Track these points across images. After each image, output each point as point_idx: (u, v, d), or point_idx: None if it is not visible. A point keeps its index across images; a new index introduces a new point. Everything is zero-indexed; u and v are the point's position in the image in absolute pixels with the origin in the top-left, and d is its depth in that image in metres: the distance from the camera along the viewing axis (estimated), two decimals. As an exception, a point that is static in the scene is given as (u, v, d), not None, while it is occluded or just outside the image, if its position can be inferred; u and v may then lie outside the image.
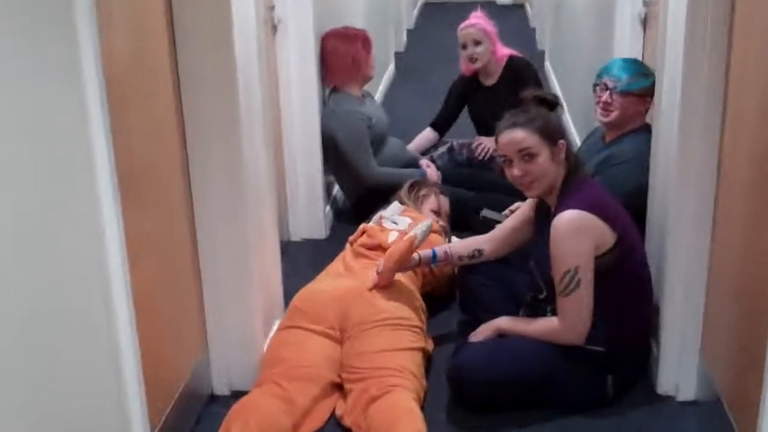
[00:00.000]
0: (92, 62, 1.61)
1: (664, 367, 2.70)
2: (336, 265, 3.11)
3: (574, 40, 5.46)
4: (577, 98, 4.90)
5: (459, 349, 2.74)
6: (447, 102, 4.74)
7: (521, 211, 2.93)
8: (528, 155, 2.59)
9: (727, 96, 2.38)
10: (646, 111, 3.14)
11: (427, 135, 4.71)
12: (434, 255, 2.95)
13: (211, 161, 2.55)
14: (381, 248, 3.11)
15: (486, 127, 4.49)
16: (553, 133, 2.61)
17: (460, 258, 2.97)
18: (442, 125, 4.72)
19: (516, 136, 2.60)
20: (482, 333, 2.78)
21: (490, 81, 4.52)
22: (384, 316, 2.74)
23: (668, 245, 2.62)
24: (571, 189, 2.61)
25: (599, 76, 3.21)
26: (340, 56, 4.04)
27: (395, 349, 2.66)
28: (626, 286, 2.62)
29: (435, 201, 3.48)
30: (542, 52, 7.69)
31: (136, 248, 2.02)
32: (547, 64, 7.13)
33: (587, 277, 2.51)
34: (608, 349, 2.60)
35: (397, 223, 3.22)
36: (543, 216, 2.72)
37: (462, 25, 4.50)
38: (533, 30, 9.08)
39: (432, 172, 4.16)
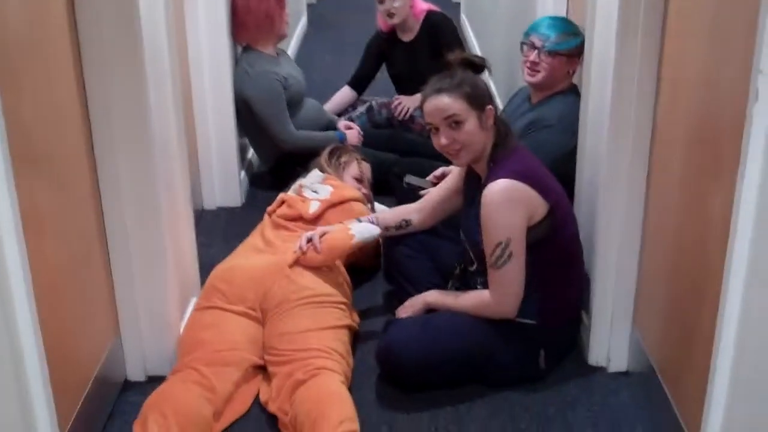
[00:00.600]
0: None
1: (596, 337, 2.65)
2: (254, 239, 2.95)
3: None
4: (497, 55, 4.80)
5: (387, 328, 2.64)
6: (364, 59, 4.58)
7: (450, 179, 2.82)
8: (455, 122, 2.47)
9: (664, 54, 2.29)
10: (573, 72, 3.05)
11: (345, 94, 4.55)
12: None
13: (116, 127, 2.35)
14: (302, 219, 2.97)
15: (405, 85, 4.39)
16: (481, 99, 2.49)
17: (387, 228, 2.85)
18: (359, 84, 4.56)
19: (441, 102, 2.48)
20: (410, 308, 2.69)
21: (408, 37, 4.38)
22: (307, 294, 2.61)
23: (599, 212, 2.55)
24: (501, 157, 2.50)
25: (526, 34, 3.10)
26: (252, 12, 3.84)
27: (320, 329, 2.53)
28: (558, 258, 2.55)
29: (357, 168, 3.34)
30: (457, 4, 7.57)
31: (34, 226, 1.86)
32: (463, 17, 7.02)
33: (519, 249, 2.43)
34: (540, 322, 2.54)
35: (318, 192, 3.07)
36: (473, 185, 2.61)
37: None
38: (447, -20, 8.93)
39: (353, 134, 4.03)
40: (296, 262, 2.69)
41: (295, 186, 3.18)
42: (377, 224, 2.82)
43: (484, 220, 2.44)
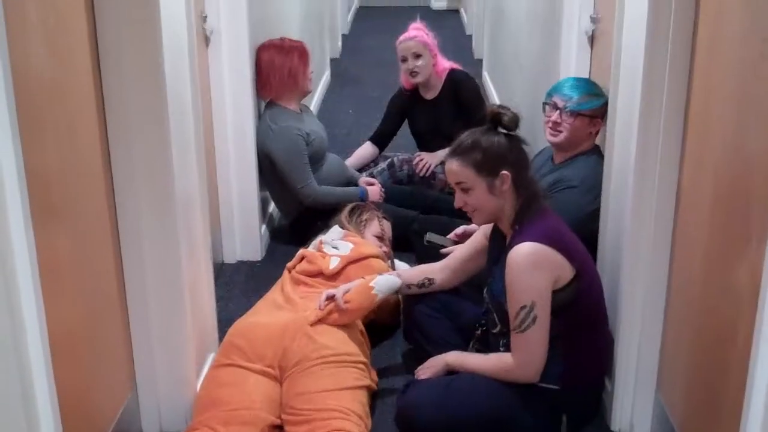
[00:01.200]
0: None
1: (619, 403, 2.60)
2: (274, 295, 2.93)
3: (515, 52, 5.37)
4: (519, 112, 4.79)
5: (407, 389, 2.60)
6: (386, 116, 4.60)
7: (475, 238, 2.80)
8: (462, 189, 2.49)
9: (689, 115, 2.28)
10: (597, 133, 3.04)
11: (367, 150, 4.56)
12: None
13: (138, 181, 2.36)
14: (322, 275, 2.96)
15: (427, 142, 4.40)
16: (493, 165, 2.45)
17: (410, 286, 2.83)
18: (381, 140, 4.58)
19: (451, 167, 2.51)
20: (430, 368, 2.64)
21: (430, 95, 4.40)
22: (326, 353, 2.57)
23: (623, 276, 2.52)
24: (527, 219, 2.47)
25: (549, 94, 3.10)
26: (276, 69, 3.87)
27: (339, 389, 2.50)
28: (583, 322, 2.51)
29: (378, 226, 3.33)
30: (479, 61, 7.61)
31: (52, 280, 1.85)
32: (485, 74, 7.05)
33: (544, 313, 2.39)
34: (563, 387, 2.49)
35: (338, 248, 3.06)
36: (498, 244, 2.59)
37: (401, 38, 4.34)
38: (469, 37, 9.01)
39: (375, 190, 4.03)
40: (318, 321, 2.67)
41: (315, 242, 3.17)
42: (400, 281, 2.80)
43: (508, 283, 2.41)
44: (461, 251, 2.84)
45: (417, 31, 4.30)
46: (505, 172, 2.46)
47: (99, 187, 2.28)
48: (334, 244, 3.09)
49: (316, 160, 3.94)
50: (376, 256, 3.09)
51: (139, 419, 2.58)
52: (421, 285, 2.83)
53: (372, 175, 4.33)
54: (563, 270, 2.41)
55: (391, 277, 2.79)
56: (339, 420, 2.40)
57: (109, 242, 2.36)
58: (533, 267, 2.37)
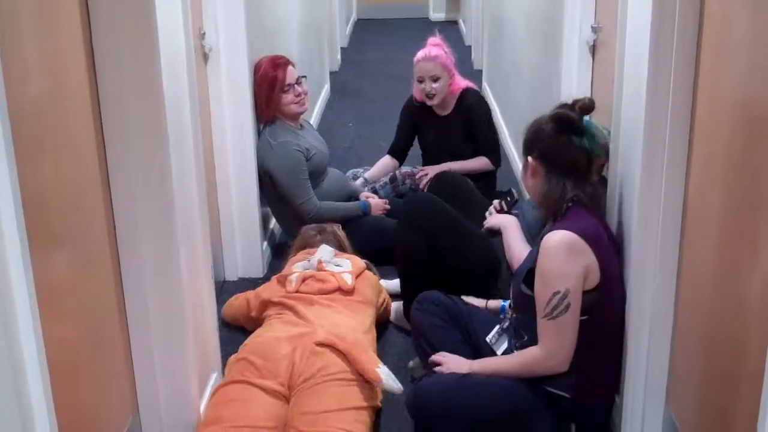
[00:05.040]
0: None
1: (628, 417, 2.55)
2: (287, 316, 2.92)
3: (515, 62, 5.36)
4: (519, 123, 4.78)
5: (422, 378, 2.58)
6: (399, 128, 4.56)
7: None
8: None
9: (694, 129, 2.25)
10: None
11: (386, 163, 4.53)
12: None
13: (138, 200, 2.32)
14: (340, 290, 3.04)
15: (433, 157, 4.36)
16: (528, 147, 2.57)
17: None
18: (398, 152, 4.54)
19: None
20: (452, 366, 2.57)
21: (442, 111, 4.34)
22: (334, 370, 2.55)
23: (631, 289, 2.48)
24: (568, 212, 2.47)
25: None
26: (257, 96, 3.84)
27: (342, 409, 2.47)
28: (601, 336, 2.48)
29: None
30: (479, 72, 7.61)
31: (51, 303, 1.82)
32: (485, 85, 7.03)
33: (576, 303, 2.35)
34: (574, 396, 2.47)
35: (342, 266, 3.13)
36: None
37: (420, 56, 4.23)
38: (469, 48, 9.00)
39: (378, 204, 4.00)
40: (326, 341, 2.65)
41: (312, 263, 3.16)
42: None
43: (541, 269, 2.37)
44: None
45: (437, 51, 4.20)
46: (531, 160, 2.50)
47: (98, 207, 2.25)
48: (336, 263, 3.14)
49: (316, 176, 3.91)
50: (369, 268, 3.25)
51: (142, 442, 2.54)
52: None
53: (374, 190, 4.32)
54: (593, 270, 2.37)
55: (395, 386, 2.66)
56: None
57: (109, 263, 2.32)
58: (569, 253, 2.34)
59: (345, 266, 3.13)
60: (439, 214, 3.21)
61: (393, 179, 4.35)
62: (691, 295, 2.32)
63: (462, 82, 4.31)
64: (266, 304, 3.07)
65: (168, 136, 2.33)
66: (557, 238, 2.36)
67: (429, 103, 4.25)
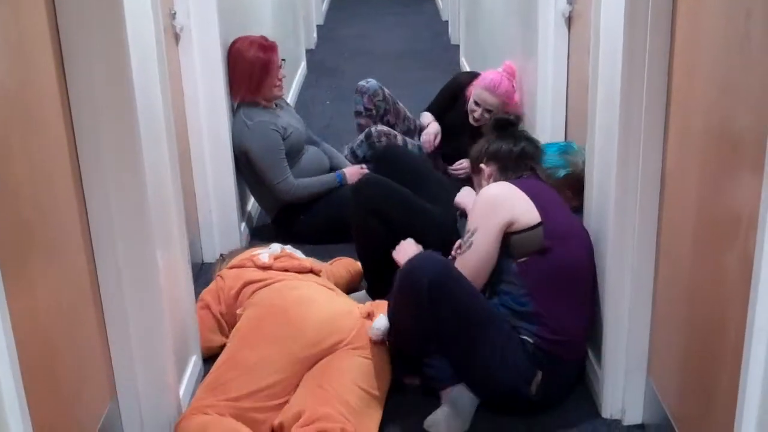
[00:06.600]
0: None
1: (609, 389, 2.57)
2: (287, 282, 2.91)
3: (492, 36, 5.32)
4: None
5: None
6: (441, 95, 4.50)
7: None
8: None
9: (671, 99, 2.24)
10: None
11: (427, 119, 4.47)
12: None
13: (108, 181, 2.28)
14: (312, 272, 3.06)
15: (454, 136, 4.29)
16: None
17: None
18: (436, 114, 4.47)
19: None
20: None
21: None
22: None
23: (609, 261, 2.48)
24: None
25: None
26: (240, 72, 3.80)
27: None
28: (552, 278, 2.56)
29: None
30: (456, 47, 7.56)
31: (20, 288, 1.80)
32: (463, 60, 6.99)
33: (481, 244, 2.60)
34: (537, 343, 2.54)
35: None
36: None
37: (485, 81, 4.06)
38: (446, 23, 8.95)
39: (352, 171, 3.95)
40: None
41: (273, 248, 3.15)
42: None
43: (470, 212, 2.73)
44: None
45: (506, 86, 4.04)
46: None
47: (69, 191, 2.21)
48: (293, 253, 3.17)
49: (294, 155, 3.88)
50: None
51: (121, 429, 2.51)
52: None
53: (353, 150, 4.28)
54: (526, 211, 2.57)
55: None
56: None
57: (81, 247, 2.28)
58: (491, 204, 2.62)
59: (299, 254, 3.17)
60: (390, 195, 3.21)
61: (368, 136, 4.27)
62: (670, 267, 2.31)
63: (517, 105, 4.09)
64: (241, 288, 2.95)
65: (137, 116, 2.29)
66: (486, 190, 2.69)
67: (473, 124, 4.13)
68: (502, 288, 2.61)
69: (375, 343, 2.67)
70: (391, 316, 2.66)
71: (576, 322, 2.60)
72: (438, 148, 4.35)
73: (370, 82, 4.42)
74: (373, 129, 4.31)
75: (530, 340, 2.53)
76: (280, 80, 3.91)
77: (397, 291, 2.60)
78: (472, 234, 2.61)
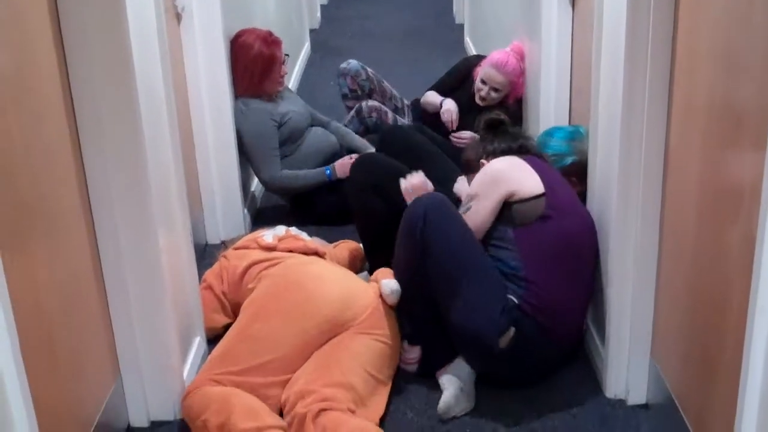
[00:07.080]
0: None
1: (613, 370, 2.56)
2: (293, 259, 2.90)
3: (497, 15, 5.29)
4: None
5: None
6: (450, 76, 4.40)
7: None
8: None
9: (674, 74, 2.22)
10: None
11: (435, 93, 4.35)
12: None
13: (110, 164, 2.28)
14: (317, 254, 3.02)
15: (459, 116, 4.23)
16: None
17: None
18: (442, 91, 4.35)
19: None
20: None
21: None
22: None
23: (612, 242, 2.47)
24: None
25: None
26: (242, 67, 3.78)
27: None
28: (546, 248, 2.57)
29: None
30: (461, 26, 7.52)
31: (22, 268, 1.80)
32: (467, 39, 6.96)
33: (478, 211, 2.65)
34: (520, 305, 2.53)
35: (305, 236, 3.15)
36: None
37: (493, 60, 3.99)
38: (450, 2, 8.89)
39: (342, 164, 3.85)
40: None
41: (278, 229, 3.12)
42: None
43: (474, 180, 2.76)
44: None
45: (514, 64, 3.97)
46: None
47: (69, 172, 2.20)
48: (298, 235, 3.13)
49: (293, 140, 3.87)
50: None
51: (125, 409, 2.52)
52: None
53: (344, 126, 4.24)
54: (529, 182, 2.61)
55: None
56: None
57: (84, 229, 2.28)
58: (494, 178, 2.66)
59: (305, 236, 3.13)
60: (388, 170, 3.19)
61: (359, 111, 4.25)
62: (674, 245, 2.30)
63: (521, 91, 4.06)
64: (247, 268, 2.91)
65: (138, 98, 2.28)
66: (493, 163, 2.72)
67: (480, 103, 4.07)
68: (496, 254, 2.61)
69: (391, 307, 2.69)
70: (394, 260, 2.76)
71: (566, 296, 2.58)
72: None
73: (351, 63, 4.41)
74: (363, 104, 4.29)
75: (514, 299, 2.53)
76: (282, 76, 3.89)
77: (400, 228, 2.70)
78: (471, 199, 2.67)
